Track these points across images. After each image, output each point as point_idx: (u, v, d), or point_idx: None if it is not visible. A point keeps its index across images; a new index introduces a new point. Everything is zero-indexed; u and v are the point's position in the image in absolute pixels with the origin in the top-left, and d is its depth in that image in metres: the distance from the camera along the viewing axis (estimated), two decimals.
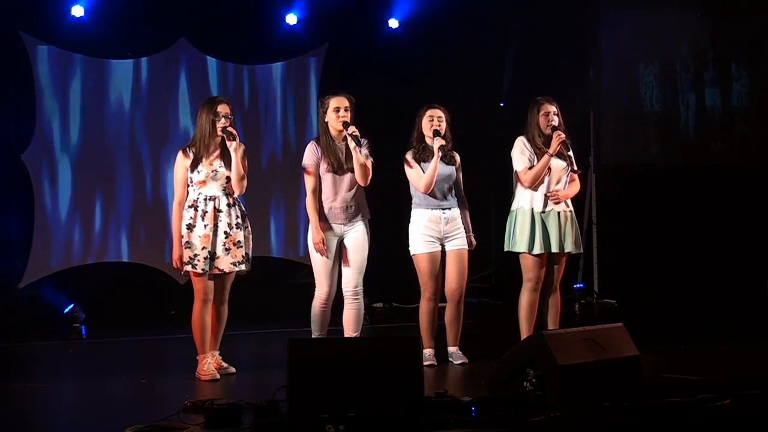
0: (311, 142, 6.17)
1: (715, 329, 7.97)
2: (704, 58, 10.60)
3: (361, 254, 6.12)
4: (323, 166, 6.05)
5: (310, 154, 6.09)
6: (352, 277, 6.11)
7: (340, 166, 6.04)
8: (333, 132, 6.07)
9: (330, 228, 6.06)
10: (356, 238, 6.11)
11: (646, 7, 10.49)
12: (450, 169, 6.29)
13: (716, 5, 10.55)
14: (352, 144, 5.93)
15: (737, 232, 10.16)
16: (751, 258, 9.97)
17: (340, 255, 6.11)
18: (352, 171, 6.03)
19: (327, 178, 6.06)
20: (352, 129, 5.93)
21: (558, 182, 6.32)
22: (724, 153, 10.67)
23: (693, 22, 10.58)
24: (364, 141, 6.00)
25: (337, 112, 6.02)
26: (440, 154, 6.15)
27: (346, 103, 6.05)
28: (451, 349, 6.34)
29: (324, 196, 6.07)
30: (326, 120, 6.08)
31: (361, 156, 5.96)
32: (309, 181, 6.08)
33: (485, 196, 9.37)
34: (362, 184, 6.08)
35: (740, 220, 10.20)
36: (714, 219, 10.14)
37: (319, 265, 6.06)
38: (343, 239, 6.10)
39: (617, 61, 10.45)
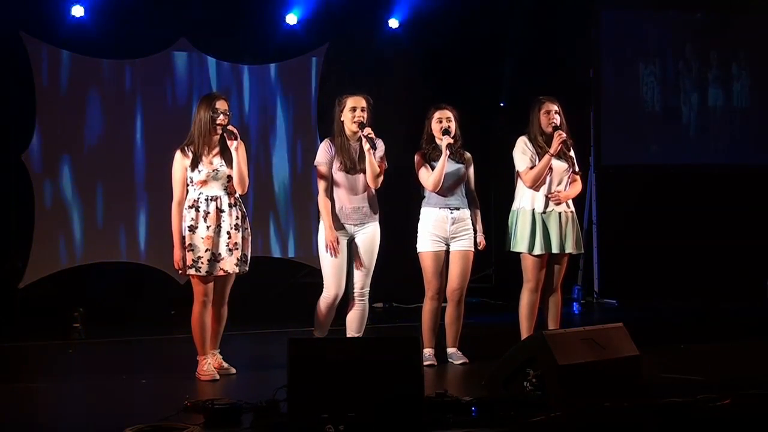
0: (325, 140, 6.14)
1: (715, 329, 7.98)
2: (705, 58, 10.60)
3: (371, 256, 6.10)
4: (336, 165, 6.02)
5: (324, 153, 6.06)
6: (360, 278, 6.10)
7: (353, 166, 6.01)
8: (348, 132, 6.05)
9: (341, 228, 6.04)
10: (366, 239, 6.09)
11: (647, 7, 10.49)
12: (459, 167, 6.28)
13: (716, 4, 10.56)
14: (366, 146, 5.91)
15: (737, 232, 10.17)
16: (750, 258, 9.98)
17: (350, 255, 6.09)
18: (365, 172, 6.01)
19: (340, 178, 6.03)
20: (367, 131, 5.91)
21: (559, 183, 6.32)
22: (725, 153, 10.67)
23: (693, 22, 10.59)
24: (379, 144, 5.98)
25: (353, 112, 5.99)
26: (448, 152, 6.13)
27: (363, 104, 6.02)
28: (451, 350, 6.34)
29: (336, 196, 6.04)
30: (342, 119, 6.05)
31: (374, 158, 5.95)
32: (321, 180, 6.04)
33: (485, 196, 9.34)
34: (373, 187, 6.05)
35: (740, 220, 10.21)
36: (714, 219, 10.14)
37: (329, 265, 6.04)
38: (353, 239, 6.09)
39: (617, 61, 10.45)
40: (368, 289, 6.16)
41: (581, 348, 4.99)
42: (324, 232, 6.03)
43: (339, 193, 6.04)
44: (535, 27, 9.91)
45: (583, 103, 10.23)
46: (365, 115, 6.00)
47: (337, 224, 6.03)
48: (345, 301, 6.19)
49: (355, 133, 6.01)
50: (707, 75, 10.62)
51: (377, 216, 6.16)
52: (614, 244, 10.19)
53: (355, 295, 6.12)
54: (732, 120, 10.72)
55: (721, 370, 5.92)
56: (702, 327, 8.16)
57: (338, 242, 5.99)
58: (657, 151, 10.58)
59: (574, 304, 9.45)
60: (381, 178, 6.03)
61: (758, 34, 10.66)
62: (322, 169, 6.05)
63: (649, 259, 10.01)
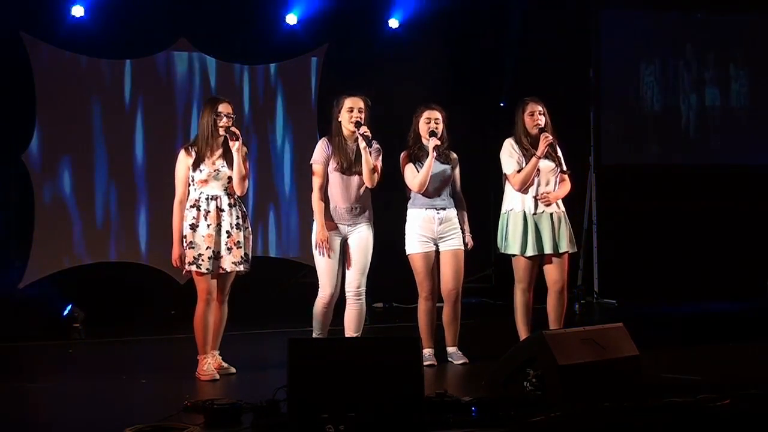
0: (323, 139, 6.16)
1: (715, 329, 7.98)
2: (704, 58, 10.61)
3: (365, 255, 6.11)
4: (332, 165, 6.04)
5: (321, 151, 6.08)
6: (354, 278, 6.11)
7: (349, 166, 6.03)
8: (345, 132, 6.07)
9: (334, 227, 6.06)
10: (360, 238, 6.10)
11: (647, 7, 10.50)
12: (445, 168, 6.27)
13: (716, 5, 10.57)
14: (362, 144, 5.93)
15: (737, 232, 10.17)
16: (750, 257, 9.98)
17: (344, 255, 6.11)
18: (361, 173, 6.02)
19: (335, 178, 6.05)
20: (363, 129, 5.94)
21: (547, 183, 6.32)
22: (724, 153, 10.68)
23: (693, 22, 10.59)
24: (375, 144, 6.00)
25: (350, 112, 6.01)
26: (435, 154, 6.14)
27: (361, 104, 6.04)
28: (450, 349, 6.34)
29: (330, 196, 6.06)
30: (339, 119, 6.07)
31: (370, 157, 5.96)
32: (316, 179, 6.07)
33: (485, 196, 9.37)
34: (369, 186, 6.07)
35: (740, 220, 10.21)
36: (714, 219, 10.15)
37: (323, 265, 6.05)
38: (347, 239, 6.10)
39: (617, 61, 10.46)
40: (364, 288, 6.17)
41: (581, 348, 4.98)
42: (316, 231, 6.05)
43: (333, 193, 6.06)
44: (535, 27, 9.91)
45: (583, 103, 10.23)
46: (363, 116, 6.02)
47: (331, 224, 6.05)
48: (344, 302, 6.19)
49: (352, 133, 6.03)
50: (706, 75, 10.63)
51: (371, 217, 6.18)
52: (614, 244, 10.18)
53: (352, 294, 6.13)
54: (731, 120, 10.73)
55: (721, 370, 5.92)
56: (702, 327, 8.16)
57: (329, 241, 6.01)
58: (657, 151, 10.59)
59: (575, 304, 9.45)
60: (377, 177, 6.05)
61: (757, 35, 10.66)
62: (318, 167, 6.07)
63: (648, 259, 10.01)
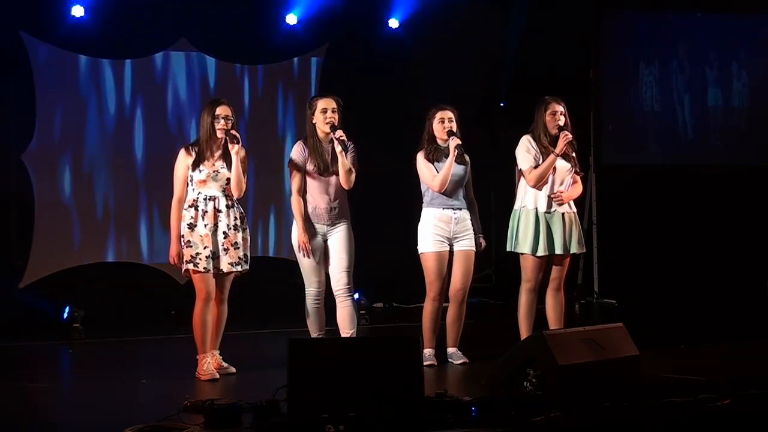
0: (299, 142, 6.23)
1: (715, 329, 7.98)
2: (704, 58, 10.61)
3: (348, 253, 6.16)
4: (309, 167, 6.11)
5: (297, 154, 6.15)
6: (340, 277, 6.15)
7: (326, 168, 6.09)
8: (320, 134, 6.12)
9: (314, 228, 6.11)
10: (340, 238, 6.15)
11: (647, 7, 10.50)
12: (462, 169, 6.30)
13: (716, 4, 10.57)
14: (338, 148, 5.98)
15: (737, 232, 10.17)
16: (750, 258, 9.98)
17: (326, 254, 6.14)
18: (338, 173, 6.07)
19: (312, 180, 6.12)
20: (339, 133, 5.98)
21: (561, 183, 6.31)
22: (724, 153, 10.68)
23: (693, 22, 10.60)
24: (350, 145, 6.04)
25: (324, 114, 6.06)
26: (457, 152, 6.15)
27: (334, 105, 6.09)
28: (451, 350, 6.34)
29: (309, 197, 6.13)
30: (314, 122, 6.12)
31: (346, 160, 6.00)
32: (295, 181, 6.16)
33: (485, 196, 9.36)
34: (346, 187, 6.13)
35: (740, 220, 10.21)
36: (714, 219, 10.15)
37: (306, 264, 6.13)
38: (327, 239, 6.15)
39: (617, 61, 10.46)
40: (352, 285, 6.21)
41: (581, 348, 4.98)
42: (296, 233, 6.07)
43: (312, 194, 6.12)
44: (535, 27, 9.91)
45: (583, 103, 10.23)
46: (336, 117, 6.06)
47: (310, 224, 6.11)
48: (334, 304, 6.20)
49: (327, 134, 6.08)
50: (707, 75, 10.63)
51: (348, 217, 6.23)
52: (614, 244, 10.18)
53: (340, 293, 6.16)
54: (731, 120, 10.73)
55: (721, 370, 5.92)
56: (702, 327, 8.16)
57: (309, 243, 6.06)
58: (657, 151, 10.59)
59: (575, 304, 9.45)
60: (353, 178, 6.09)
61: (758, 34, 10.67)
62: (296, 169, 6.13)
63: (648, 259, 10.01)
